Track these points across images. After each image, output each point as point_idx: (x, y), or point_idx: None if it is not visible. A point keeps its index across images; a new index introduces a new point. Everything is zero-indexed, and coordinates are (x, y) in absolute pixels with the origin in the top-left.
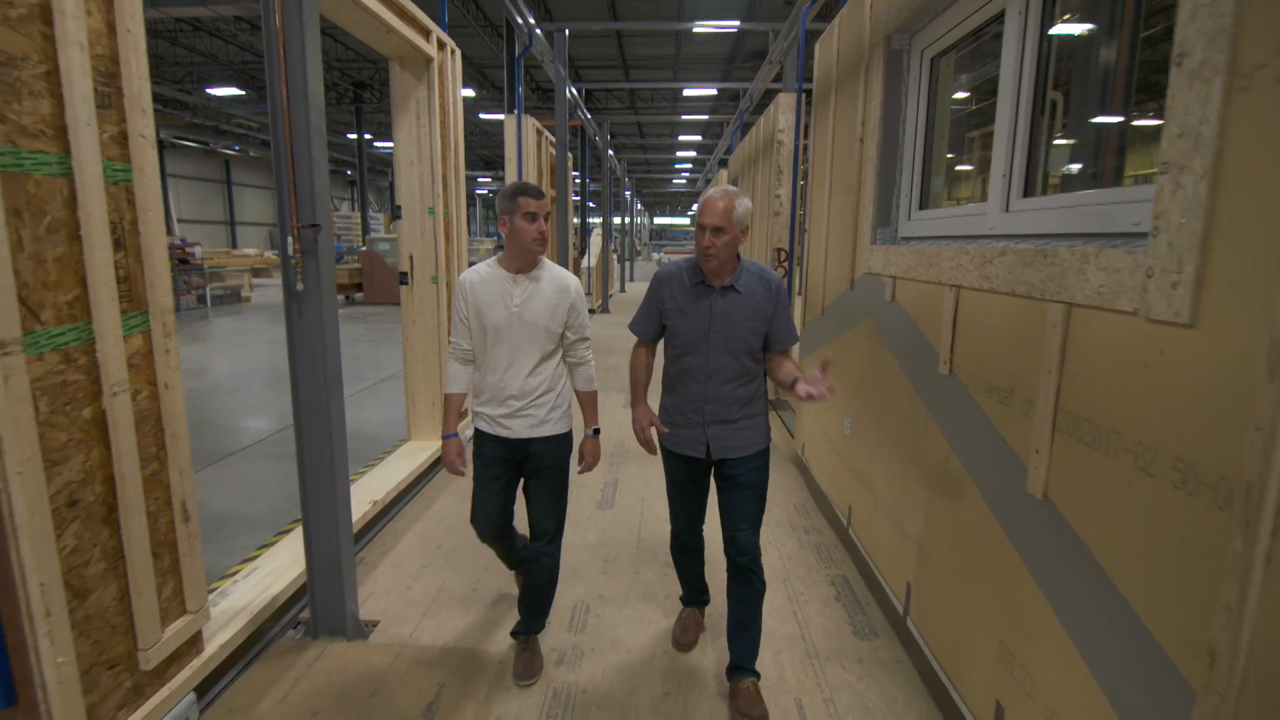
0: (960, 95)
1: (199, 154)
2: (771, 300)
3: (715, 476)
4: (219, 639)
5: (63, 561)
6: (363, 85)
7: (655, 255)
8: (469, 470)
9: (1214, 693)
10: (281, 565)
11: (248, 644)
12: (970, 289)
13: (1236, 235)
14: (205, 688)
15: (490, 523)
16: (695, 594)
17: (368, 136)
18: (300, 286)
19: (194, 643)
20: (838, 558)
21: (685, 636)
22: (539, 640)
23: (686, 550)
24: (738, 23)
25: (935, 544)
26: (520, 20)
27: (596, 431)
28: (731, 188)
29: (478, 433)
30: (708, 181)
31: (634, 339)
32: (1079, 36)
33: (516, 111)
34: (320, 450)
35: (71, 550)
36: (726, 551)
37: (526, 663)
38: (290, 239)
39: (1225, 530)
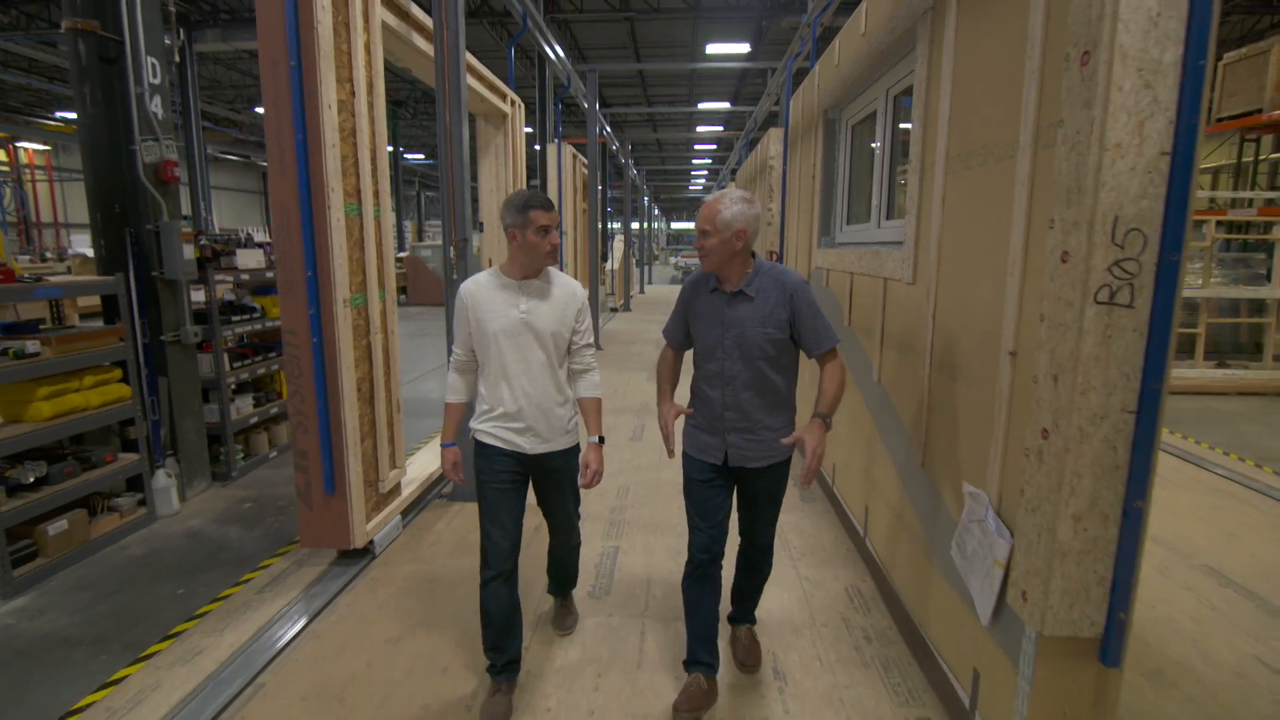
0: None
1: (239, 167)
2: (787, 305)
3: (737, 485)
4: (408, 490)
5: (358, 419)
6: (399, 103)
7: (672, 259)
8: (470, 483)
9: (919, 440)
10: (436, 454)
11: (420, 499)
12: (858, 274)
13: (924, 246)
14: (404, 514)
15: (506, 538)
16: (704, 652)
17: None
18: (455, 276)
19: (397, 488)
20: None
21: (688, 705)
22: (573, 595)
23: (702, 578)
24: (743, 61)
25: (844, 427)
26: (560, 65)
27: (601, 440)
28: (735, 191)
29: (484, 447)
30: (720, 189)
31: (660, 337)
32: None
33: (557, 141)
34: None
35: (359, 415)
36: (742, 540)
37: (564, 616)
38: (451, 248)
39: (923, 371)
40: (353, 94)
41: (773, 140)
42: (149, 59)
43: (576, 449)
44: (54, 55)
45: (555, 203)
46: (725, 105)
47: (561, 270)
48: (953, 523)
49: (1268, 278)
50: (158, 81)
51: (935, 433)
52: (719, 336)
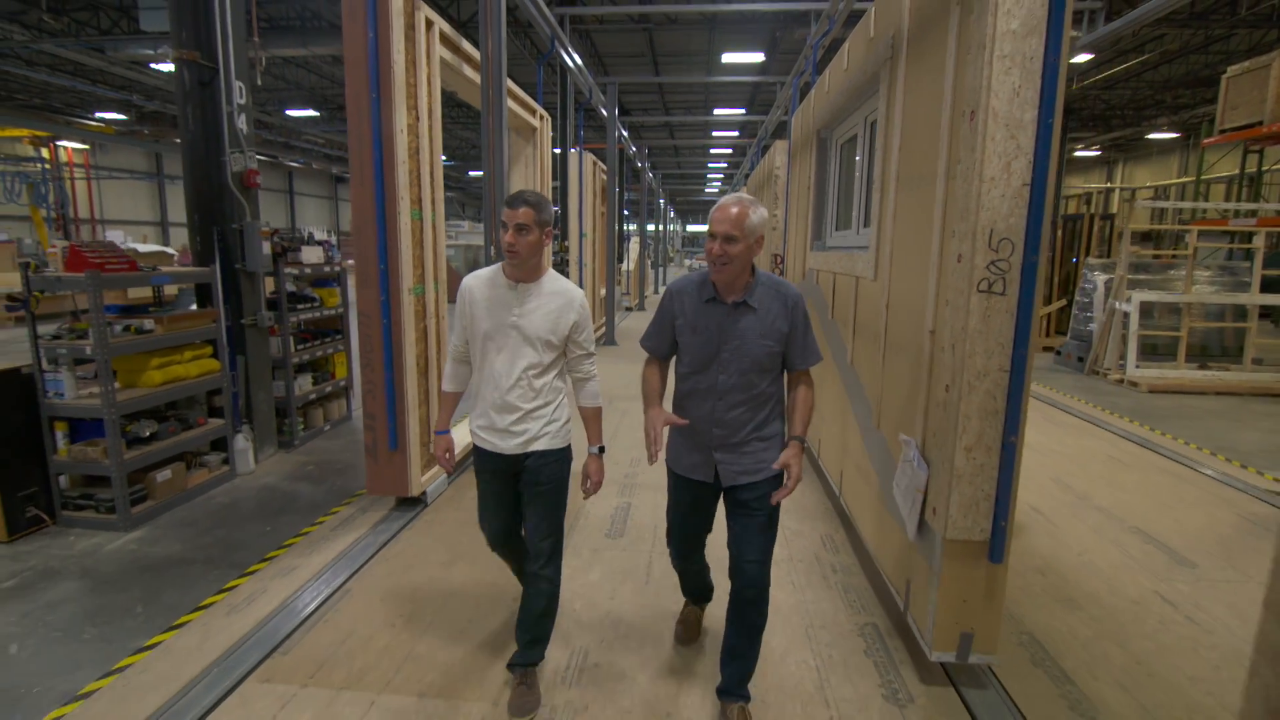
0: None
1: (264, 166)
2: (788, 318)
3: (725, 502)
4: None
5: (417, 389)
6: None
7: (687, 262)
8: (455, 472)
9: (875, 406)
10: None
11: (461, 461)
12: (839, 273)
13: (886, 253)
14: (449, 473)
15: (497, 538)
16: (698, 592)
17: None
18: None
19: None
20: None
21: (686, 632)
22: (537, 674)
23: (685, 573)
24: (755, 75)
25: (826, 406)
26: (582, 77)
27: (602, 450)
28: (746, 195)
29: (476, 449)
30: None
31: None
32: None
33: (579, 149)
34: None
35: (417, 385)
36: (731, 578)
37: (522, 697)
38: (492, 246)
39: (879, 350)
40: (417, 119)
41: (778, 152)
42: (237, 83)
43: (560, 455)
44: (99, 59)
45: (577, 204)
46: (740, 112)
47: (564, 272)
48: (895, 467)
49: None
50: (243, 102)
51: (886, 398)
52: (715, 349)
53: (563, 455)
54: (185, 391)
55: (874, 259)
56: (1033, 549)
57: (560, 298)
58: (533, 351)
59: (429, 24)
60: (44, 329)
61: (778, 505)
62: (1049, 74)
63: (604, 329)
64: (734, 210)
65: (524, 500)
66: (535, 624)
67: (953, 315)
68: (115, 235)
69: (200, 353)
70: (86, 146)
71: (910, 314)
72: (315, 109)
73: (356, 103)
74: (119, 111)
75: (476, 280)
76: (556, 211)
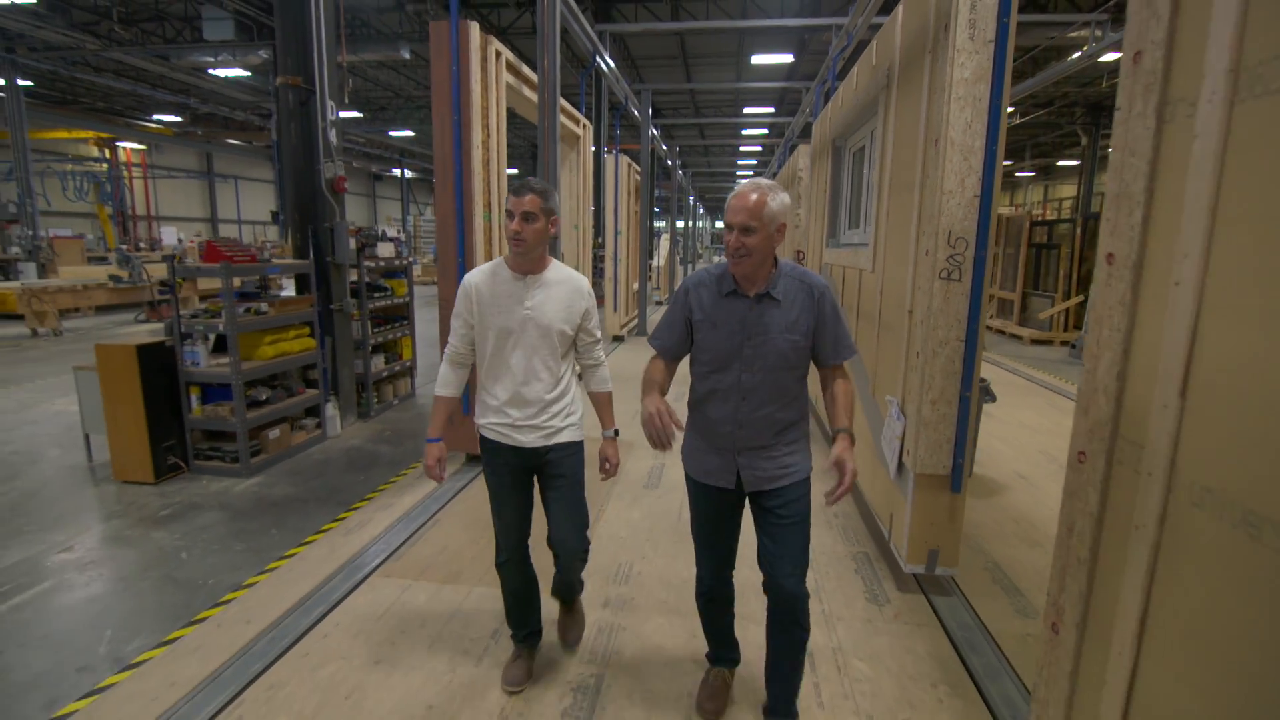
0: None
1: None
2: (813, 310)
3: (751, 510)
4: None
5: None
6: None
7: (716, 258)
8: (446, 478)
9: (871, 377)
10: None
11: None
12: (847, 267)
13: (881, 248)
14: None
15: (510, 533)
16: (724, 651)
17: None
18: None
19: None
20: None
21: (711, 704)
22: (581, 602)
23: (714, 601)
24: (782, 81)
25: None
26: (618, 85)
27: (616, 433)
28: (765, 180)
29: (487, 443)
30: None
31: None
32: None
33: (615, 152)
34: None
35: None
36: (767, 595)
37: (566, 627)
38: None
39: (874, 330)
40: (488, 136)
41: (802, 155)
42: (329, 101)
43: (578, 446)
44: (161, 66)
45: (612, 203)
46: (770, 110)
47: (600, 269)
48: (883, 424)
49: None
50: (333, 118)
51: (879, 369)
52: (738, 345)
53: (582, 447)
54: (289, 365)
55: (872, 254)
56: (1013, 504)
57: (568, 285)
58: (549, 342)
59: (498, 54)
60: (121, 316)
61: (807, 510)
62: (994, 112)
63: (637, 320)
64: (752, 198)
65: (547, 497)
66: (565, 586)
67: (923, 298)
68: (169, 231)
69: (300, 332)
70: (144, 147)
71: (896, 298)
72: (358, 110)
73: (441, 124)
74: (175, 114)
75: (479, 276)
76: (593, 210)
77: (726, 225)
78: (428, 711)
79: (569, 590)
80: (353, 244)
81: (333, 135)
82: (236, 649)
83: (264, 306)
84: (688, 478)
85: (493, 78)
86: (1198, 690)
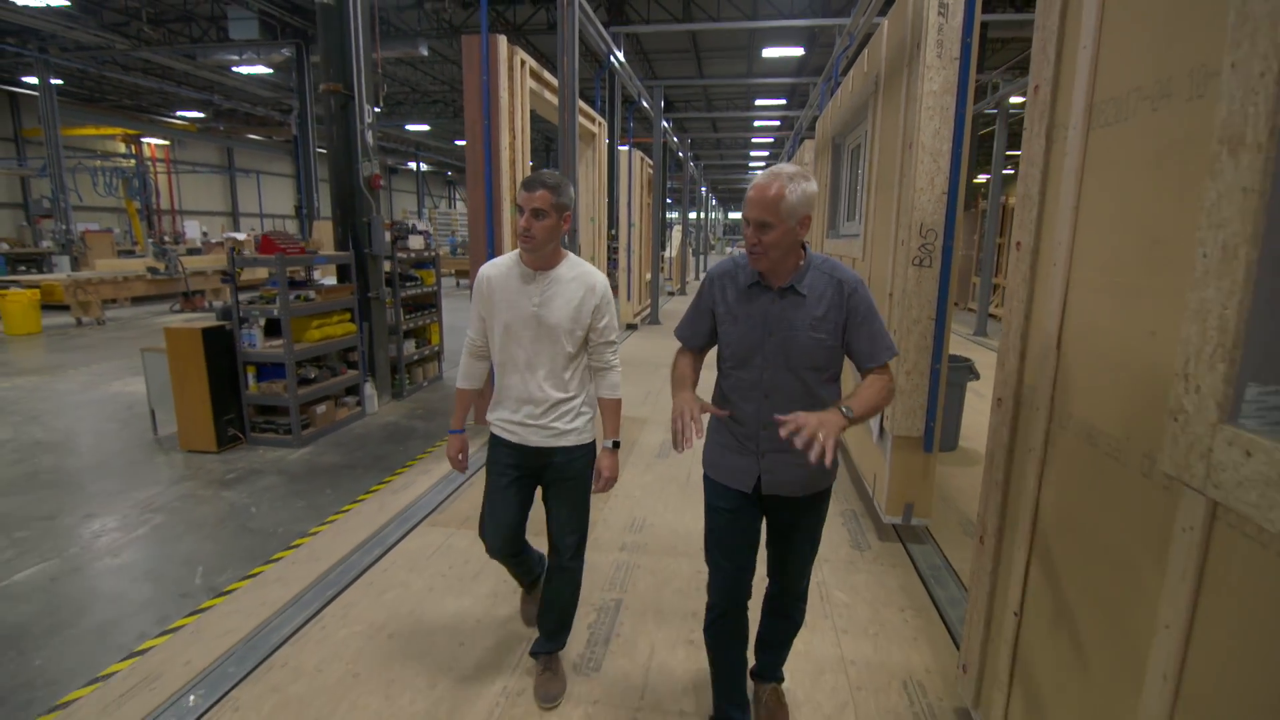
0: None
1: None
2: (844, 307)
3: (766, 515)
4: None
5: None
6: None
7: (729, 249)
8: (470, 471)
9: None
10: None
11: None
12: (843, 256)
13: (870, 239)
14: None
15: (499, 533)
16: (734, 709)
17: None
18: None
19: None
20: None
21: None
22: (560, 658)
23: (724, 618)
24: (792, 77)
25: None
26: (631, 82)
27: (616, 445)
28: (788, 167)
29: (491, 437)
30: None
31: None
32: None
33: (628, 146)
34: None
35: None
36: (770, 582)
37: (548, 684)
38: (565, 236)
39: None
40: (514, 138)
41: (807, 150)
42: (366, 105)
43: (586, 450)
44: (187, 64)
45: (626, 196)
46: (781, 102)
47: (614, 259)
48: None
49: None
50: (370, 121)
51: None
52: (759, 340)
53: (590, 450)
54: (333, 347)
55: (862, 242)
56: None
57: (580, 284)
58: (555, 342)
59: (522, 63)
60: (157, 306)
61: (823, 523)
62: (959, 120)
63: (649, 309)
64: (770, 190)
65: (549, 496)
66: (560, 613)
67: (899, 282)
68: (192, 225)
69: (343, 318)
70: (168, 142)
71: (881, 282)
72: (375, 105)
73: (473, 128)
74: (198, 110)
75: (494, 269)
76: (607, 203)
77: (743, 219)
78: (476, 624)
79: (557, 625)
80: (388, 237)
81: (369, 137)
82: (313, 578)
83: (312, 294)
84: (706, 478)
85: (518, 84)
86: (1066, 567)
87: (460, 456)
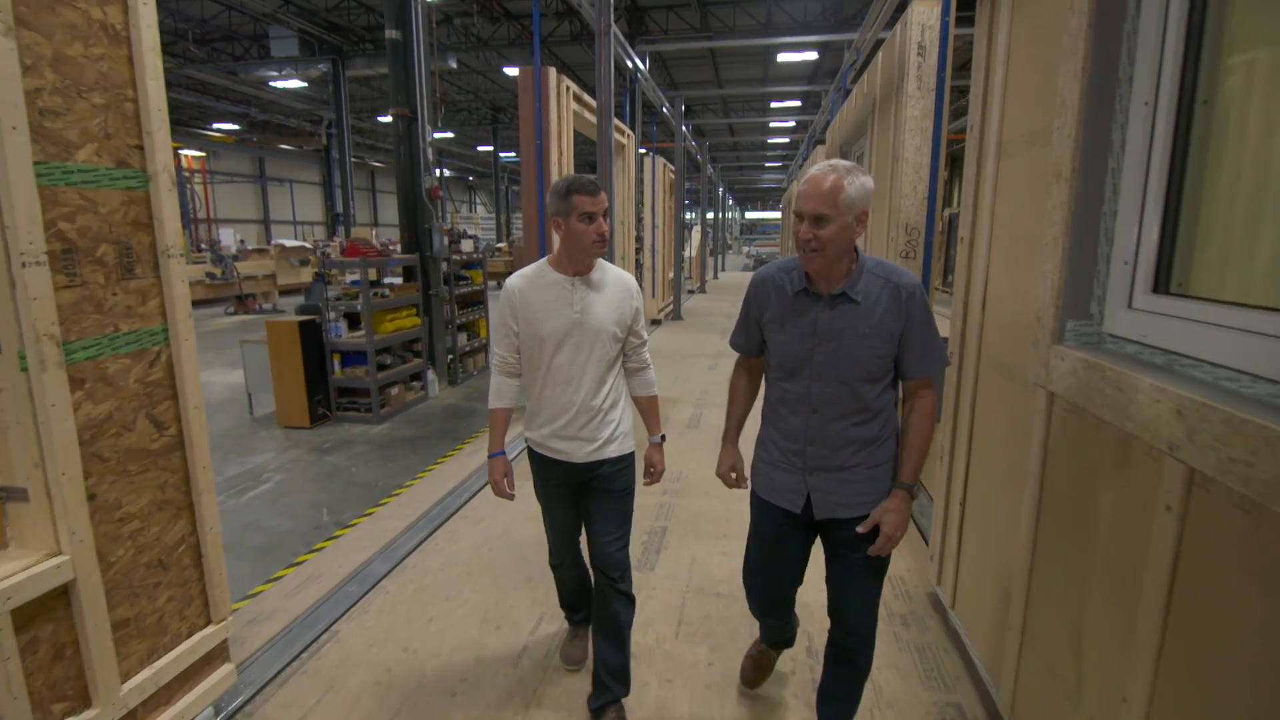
0: None
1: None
2: (901, 313)
3: (823, 541)
4: None
5: None
6: (499, 109)
7: (745, 249)
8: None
9: None
10: None
11: None
12: None
13: (868, 236)
14: None
15: (564, 539)
16: (779, 642)
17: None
18: None
19: None
20: None
21: (755, 674)
22: (624, 706)
23: (765, 618)
24: (805, 85)
25: None
26: (653, 92)
27: (662, 439)
28: (843, 161)
29: (534, 455)
30: (793, 181)
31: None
32: None
33: (651, 153)
34: None
35: None
36: (831, 620)
37: None
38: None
39: None
40: (560, 154)
41: (819, 156)
42: (427, 126)
43: (630, 459)
44: (227, 80)
45: (650, 200)
46: (796, 104)
47: (640, 259)
48: None
49: None
50: (430, 139)
51: None
52: (808, 350)
53: (632, 459)
54: (403, 338)
55: (861, 240)
56: None
57: (619, 285)
58: (601, 346)
59: (567, 89)
60: (212, 310)
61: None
62: (935, 139)
63: (672, 305)
64: (828, 182)
65: (595, 508)
66: (618, 651)
67: None
68: (226, 232)
69: (410, 312)
70: (204, 154)
71: None
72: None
73: (527, 147)
74: (234, 122)
75: (523, 281)
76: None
77: (796, 214)
78: None
79: (617, 637)
80: (445, 241)
81: (429, 153)
82: (420, 513)
83: (387, 291)
84: (753, 496)
85: (564, 108)
86: (985, 460)
87: (505, 482)
